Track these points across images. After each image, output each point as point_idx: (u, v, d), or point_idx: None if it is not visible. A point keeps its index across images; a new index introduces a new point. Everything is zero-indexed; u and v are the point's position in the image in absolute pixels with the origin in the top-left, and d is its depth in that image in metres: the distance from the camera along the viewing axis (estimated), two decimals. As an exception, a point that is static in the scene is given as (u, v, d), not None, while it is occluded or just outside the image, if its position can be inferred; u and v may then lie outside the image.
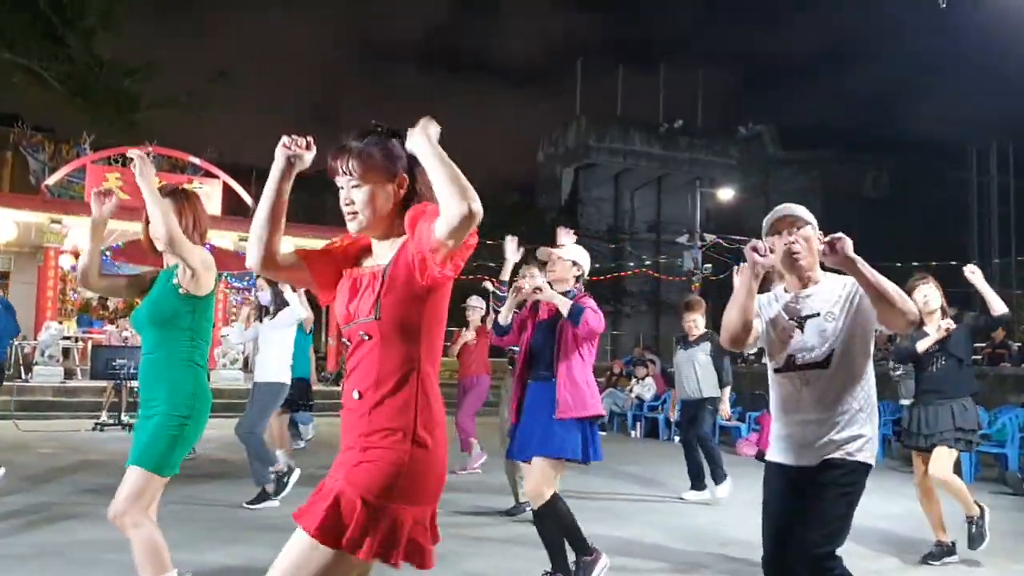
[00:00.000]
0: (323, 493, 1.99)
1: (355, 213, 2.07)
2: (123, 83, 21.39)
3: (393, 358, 1.99)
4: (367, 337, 2.01)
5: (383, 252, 2.10)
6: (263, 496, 6.29)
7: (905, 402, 9.76)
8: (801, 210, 3.02)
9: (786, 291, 3.08)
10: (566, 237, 4.59)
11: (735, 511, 6.67)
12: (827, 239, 2.73)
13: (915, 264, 21.49)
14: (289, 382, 6.60)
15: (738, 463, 9.17)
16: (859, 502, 2.88)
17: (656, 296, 35.40)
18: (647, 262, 26.83)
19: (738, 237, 23.51)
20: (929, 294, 5.16)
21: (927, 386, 5.28)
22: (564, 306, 4.23)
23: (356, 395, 2.02)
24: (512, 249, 4.94)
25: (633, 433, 13.28)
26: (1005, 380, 11.51)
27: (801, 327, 2.96)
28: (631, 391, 13.78)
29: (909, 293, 5.35)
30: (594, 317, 4.22)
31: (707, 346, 7.33)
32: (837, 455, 2.85)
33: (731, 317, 2.94)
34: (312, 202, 29.90)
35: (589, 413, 4.26)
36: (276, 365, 6.53)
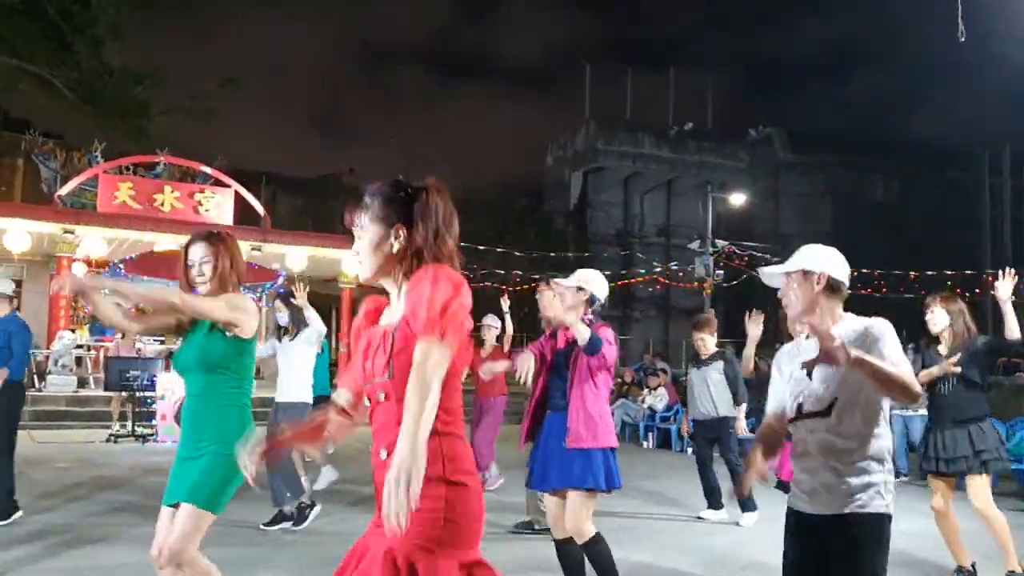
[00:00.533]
0: (370, 555, 2.01)
1: (360, 261, 2.20)
2: (132, 90, 21.41)
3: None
4: (383, 396, 2.07)
5: (396, 307, 2.17)
6: (280, 517, 6.31)
7: (895, 411, 9.80)
8: (794, 261, 2.94)
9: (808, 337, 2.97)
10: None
11: (754, 532, 6.65)
12: (823, 349, 2.55)
13: (928, 272, 21.46)
14: (312, 400, 6.63)
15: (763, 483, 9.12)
16: (887, 552, 2.81)
17: (666, 301, 35.33)
18: (657, 268, 26.75)
19: (751, 244, 23.49)
20: (932, 318, 5.23)
21: (938, 408, 5.27)
22: (583, 335, 4.14)
23: (383, 454, 2.05)
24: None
25: (645, 444, 13.25)
26: (1022, 390, 11.43)
27: (809, 374, 2.86)
28: (643, 401, 13.73)
29: (924, 310, 5.38)
30: (610, 350, 4.19)
31: (720, 364, 7.30)
32: (848, 511, 2.75)
33: None
34: (320, 206, 29.89)
35: (600, 445, 4.22)
36: (296, 383, 6.55)
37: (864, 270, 16.22)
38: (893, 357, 2.66)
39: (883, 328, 2.76)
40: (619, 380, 15.41)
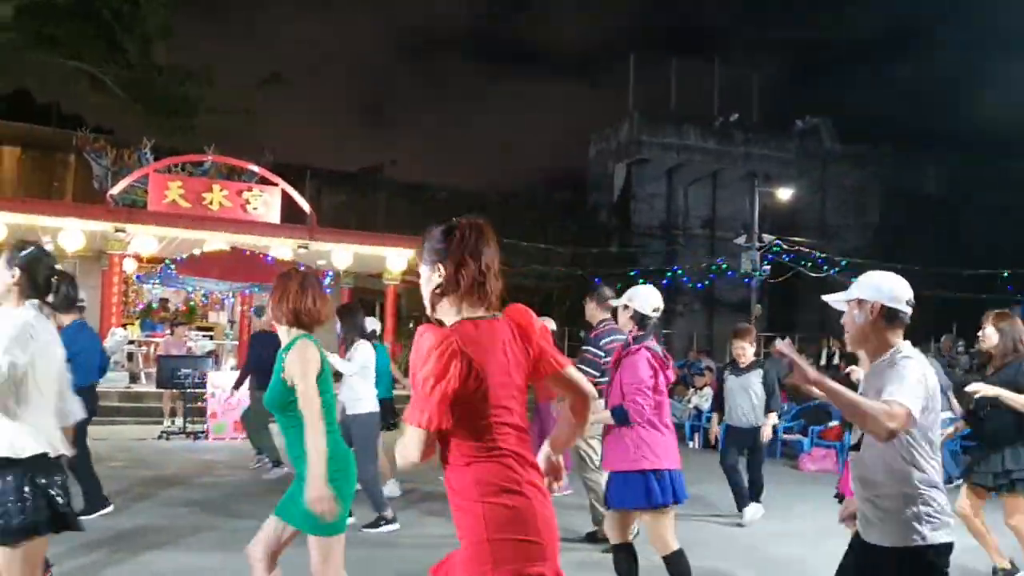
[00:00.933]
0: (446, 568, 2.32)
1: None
2: (181, 87, 21.76)
3: (444, 451, 2.29)
4: None
5: None
6: (381, 520, 6.51)
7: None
8: (852, 289, 2.99)
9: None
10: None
11: (812, 541, 6.61)
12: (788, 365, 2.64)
13: (983, 271, 20.89)
14: (377, 408, 6.68)
15: (814, 488, 9.07)
16: None
17: (711, 294, 34.96)
18: (702, 263, 26.49)
19: (798, 239, 23.10)
20: (983, 335, 5.27)
21: (979, 432, 5.41)
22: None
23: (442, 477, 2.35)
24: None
25: (691, 444, 13.13)
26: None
27: None
28: (688, 401, 13.63)
29: (980, 326, 5.36)
30: (636, 408, 4.22)
31: (760, 373, 7.44)
32: (887, 544, 2.77)
33: None
34: (363, 200, 30.00)
35: (631, 468, 4.23)
36: (359, 395, 6.54)
37: (915, 267, 15.88)
38: (889, 388, 2.65)
39: (904, 366, 2.75)
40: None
